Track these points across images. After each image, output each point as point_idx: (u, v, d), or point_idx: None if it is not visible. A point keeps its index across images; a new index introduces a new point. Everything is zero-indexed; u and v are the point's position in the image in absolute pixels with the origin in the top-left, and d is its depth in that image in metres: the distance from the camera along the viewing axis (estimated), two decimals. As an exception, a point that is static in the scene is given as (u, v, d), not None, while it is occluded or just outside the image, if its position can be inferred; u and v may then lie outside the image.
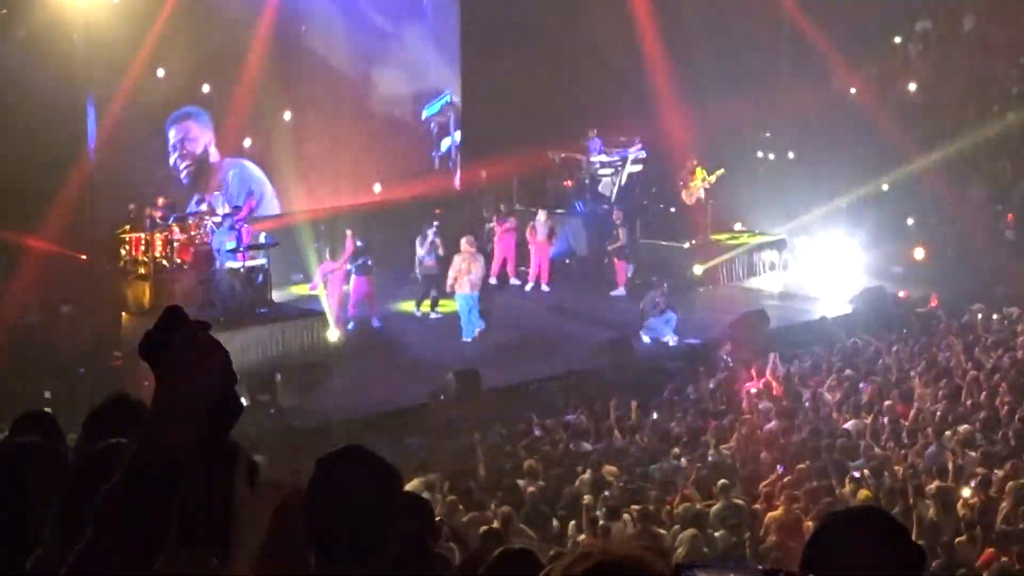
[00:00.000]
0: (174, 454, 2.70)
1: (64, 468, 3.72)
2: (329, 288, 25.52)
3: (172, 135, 27.28)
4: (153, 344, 2.77)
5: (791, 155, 33.68)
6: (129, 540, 2.65)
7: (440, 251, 26.29)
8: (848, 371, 21.00)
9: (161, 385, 2.75)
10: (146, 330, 2.77)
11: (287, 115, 29.03)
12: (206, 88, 27.48)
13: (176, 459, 2.69)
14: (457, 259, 25.34)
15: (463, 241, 25.60)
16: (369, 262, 25.34)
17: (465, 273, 25.08)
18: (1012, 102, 31.42)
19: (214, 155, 27.91)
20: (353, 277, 25.40)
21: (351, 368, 23.70)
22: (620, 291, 28.23)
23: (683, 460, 17.21)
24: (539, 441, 18.52)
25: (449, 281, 25.33)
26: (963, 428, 17.31)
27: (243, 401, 2.82)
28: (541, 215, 28.80)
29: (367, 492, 3.52)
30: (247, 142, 28.32)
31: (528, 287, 28.80)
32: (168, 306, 2.82)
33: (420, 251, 26.44)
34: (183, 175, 27.51)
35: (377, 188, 30.32)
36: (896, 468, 16.09)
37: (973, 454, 16.41)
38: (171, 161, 27.33)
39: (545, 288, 28.62)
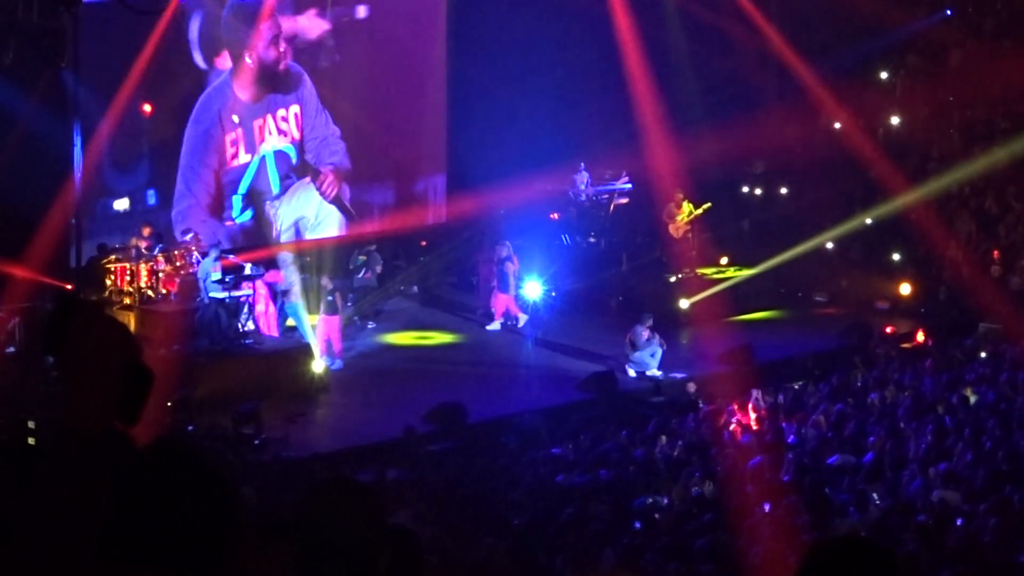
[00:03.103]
0: (91, 433, 2.70)
1: None
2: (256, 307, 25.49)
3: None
4: (53, 338, 2.78)
5: (783, 190, 33.77)
6: (57, 530, 2.64)
7: (379, 269, 28.44)
8: (833, 406, 20.99)
9: (66, 368, 2.75)
10: (42, 326, 2.81)
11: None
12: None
13: (93, 438, 2.70)
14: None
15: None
16: (332, 299, 25.29)
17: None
18: (998, 137, 31.51)
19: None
20: (321, 316, 25.33)
21: (336, 400, 23.66)
22: (495, 325, 27.98)
23: (669, 494, 17.18)
24: (525, 474, 18.48)
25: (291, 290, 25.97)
26: (948, 463, 17.30)
27: (150, 374, 2.85)
28: (500, 247, 28.75)
29: (353, 522, 3.49)
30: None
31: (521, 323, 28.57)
32: (60, 294, 2.85)
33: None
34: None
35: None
36: (881, 503, 16.07)
37: (957, 490, 16.39)
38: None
39: (515, 319, 28.46)
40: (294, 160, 29.11)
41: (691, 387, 23.38)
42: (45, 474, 2.70)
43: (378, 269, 28.44)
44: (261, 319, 24.97)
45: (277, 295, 25.25)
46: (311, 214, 29.35)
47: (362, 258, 28.53)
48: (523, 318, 27.93)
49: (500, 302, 27.97)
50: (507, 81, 30.74)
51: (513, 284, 28.00)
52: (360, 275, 28.34)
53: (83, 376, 2.75)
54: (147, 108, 26.87)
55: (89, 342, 2.76)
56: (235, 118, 28.01)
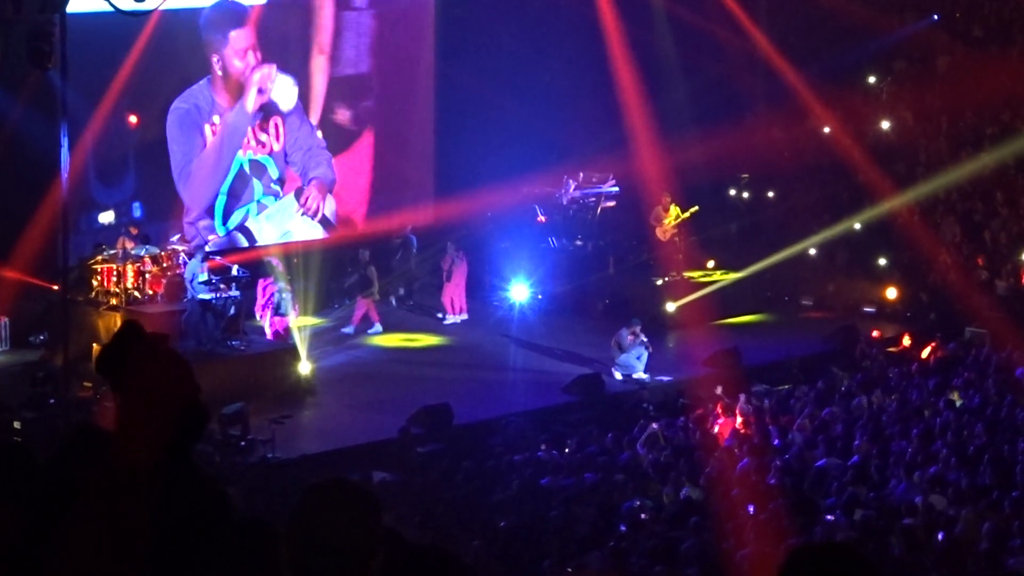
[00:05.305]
0: (140, 468, 2.67)
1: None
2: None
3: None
4: (110, 358, 2.75)
5: (770, 194, 33.83)
6: (101, 555, 2.62)
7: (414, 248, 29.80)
8: (820, 410, 21.03)
9: (122, 400, 2.72)
10: (103, 345, 2.76)
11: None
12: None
13: (143, 473, 2.67)
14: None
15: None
16: (288, 298, 25.40)
17: None
18: (985, 143, 31.59)
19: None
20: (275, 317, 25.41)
21: (322, 401, 23.65)
22: (350, 328, 27.70)
23: (655, 497, 17.20)
24: (512, 476, 18.47)
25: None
26: (934, 468, 17.34)
27: (207, 412, 2.81)
28: (450, 247, 28.79)
29: (350, 524, 3.48)
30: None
31: (448, 320, 28.71)
32: (125, 320, 2.83)
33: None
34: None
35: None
36: (866, 507, 16.10)
37: (943, 494, 16.43)
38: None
39: (456, 320, 28.56)
40: (273, 172, 28.82)
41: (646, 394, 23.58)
42: (89, 507, 2.67)
43: (414, 249, 29.77)
44: (269, 327, 25.10)
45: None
46: (295, 229, 29.19)
47: (398, 240, 29.88)
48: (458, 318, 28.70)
49: (361, 307, 28.04)
50: (496, 85, 30.69)
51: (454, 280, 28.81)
52: (396, 257, 29.82)
53: (138, 410, 2.72)
54: (133, 119, 26.79)
55: (148, 375, 2.72)
56: (216, 119, 27.88)
